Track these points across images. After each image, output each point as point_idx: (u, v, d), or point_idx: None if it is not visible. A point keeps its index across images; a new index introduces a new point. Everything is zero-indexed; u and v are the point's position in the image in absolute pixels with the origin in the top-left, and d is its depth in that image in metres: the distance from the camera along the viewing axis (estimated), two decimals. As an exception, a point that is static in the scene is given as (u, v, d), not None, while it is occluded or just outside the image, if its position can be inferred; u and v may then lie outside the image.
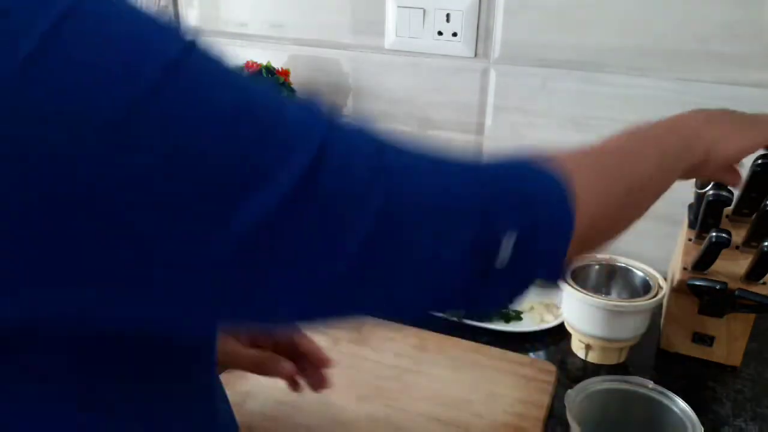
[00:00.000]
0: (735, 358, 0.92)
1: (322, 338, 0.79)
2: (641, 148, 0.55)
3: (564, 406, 0.70)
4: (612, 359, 0.93)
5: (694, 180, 0.92)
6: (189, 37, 0.32)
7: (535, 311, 1.05)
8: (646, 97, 1.10)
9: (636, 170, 0.54)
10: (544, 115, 1.19)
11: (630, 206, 0.54)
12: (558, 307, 1.05)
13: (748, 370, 0.92)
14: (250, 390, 0.84)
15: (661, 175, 0.58)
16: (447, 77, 1.25)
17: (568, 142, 1.17)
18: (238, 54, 1.40)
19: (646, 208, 0.56)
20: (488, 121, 1.24)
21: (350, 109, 1.36)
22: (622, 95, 1.12)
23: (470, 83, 1.23)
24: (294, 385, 0.72)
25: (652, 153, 0.55)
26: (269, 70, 1.25)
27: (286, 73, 1.28)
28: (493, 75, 1.21)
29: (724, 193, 0.83)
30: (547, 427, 0.80)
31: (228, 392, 0.83)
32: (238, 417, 0.80)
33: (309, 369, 0.70)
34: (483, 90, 1.23)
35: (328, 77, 1.36)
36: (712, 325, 0.91)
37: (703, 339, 0.92)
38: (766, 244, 0.79)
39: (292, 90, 1.28)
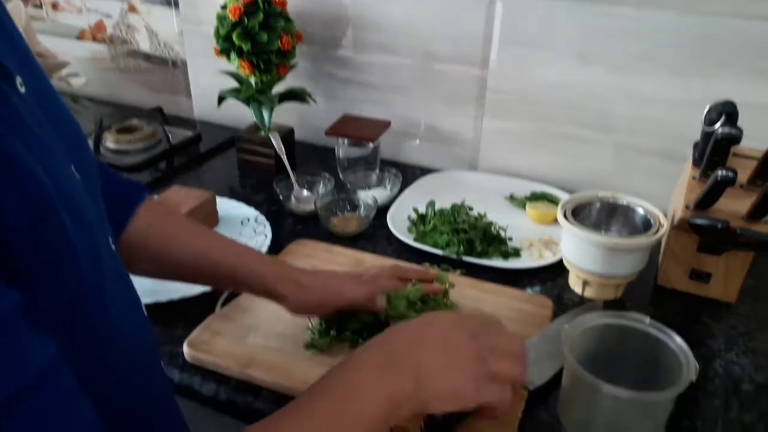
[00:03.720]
0: (731, 295, 0.93)
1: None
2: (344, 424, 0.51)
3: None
4: (609, 295, 0.94)
5: (703, 117, 0.91)
6: None
7: (534, 248, 1.05)
8: (656, 31, 1.07)
9: None
10: (551, 48, 1.16)
11: None
12: (557, 244, 1.05)
13: (743, 306, 0.93)
14: (253, 323, 0.85)
15: None
16: (451, 7, 1.20)
17: (574, 78, 1.14)
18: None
19: None
20: (493, 54, 1.21)
21: (350, 42, 1.32)
22: (632, 29, 1.08)
23: (476, 14, 1.19)
24: None
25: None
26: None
27: (283, 2, 1.23)
28: (499, 5, 1.17)
29: (734, 131, 0.82)
30: (543, 360, 0.82)
31: (231, 326, 0.85)
32: (241, 350, 0.81)
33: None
34: (489, 21, 1.19)
35: (326, 7, 1.31)
36: (710, 263, 0.91)
37: (701, 276, 0.93)
38: (770, 182, 0.78)
39: (288, 20, 1.24)
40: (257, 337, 0.83)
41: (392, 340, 0.59)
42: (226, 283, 0.79)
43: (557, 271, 1.00)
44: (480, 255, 1.02)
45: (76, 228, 0.42)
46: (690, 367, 0.67)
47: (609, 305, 0.94)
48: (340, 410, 0.51)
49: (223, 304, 0.90)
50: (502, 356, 0.60)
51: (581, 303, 0.94)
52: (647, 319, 0.73)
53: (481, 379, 0.58)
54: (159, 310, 0.87)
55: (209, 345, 0.82)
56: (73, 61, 1.72)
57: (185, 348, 0.81)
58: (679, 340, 0.70)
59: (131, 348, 0.52)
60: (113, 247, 0.53)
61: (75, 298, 0.42)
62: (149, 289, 0.87)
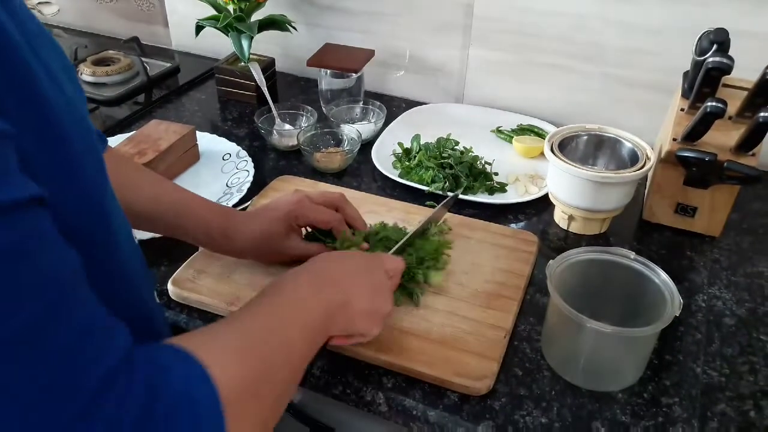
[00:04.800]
0: (715, 229, 0.93)
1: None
2: (286, 327, 0.53)
3: (545, 276, 0.71)
4: (594, 229, 0.94)
5: (694, 46, 0.88)
6: None
7: (519, 183, 1.04)
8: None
9: (284, 360, 0.51)
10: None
11: (284, 390, 0.52)
12: (543, 179, 1.04)
13: (726, 240, 0.94)
14: (237, 260, 0.84)
15: (312, 343, 0.57)
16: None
17: (562, 6, 1.08)
18: None
19: (299, 378, 0.55)
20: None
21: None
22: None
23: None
24: None
25: (298, 333, 0.55)
26: None
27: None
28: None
29: (725, 61, 0.79)
30: (527, 295, 0.83)
31: (216, 264, 0.84)
32: (226, 287, 0.81)
33: None
34: (475, -55, 1.13)
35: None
36: (696, 196, 0.91)
37: (686, 210, 0.93)
38: (761, 114, 0.76)
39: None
40: (242, 275, 0.82)
41: (316, 267, 0.63)
42: (177, 233, 0.78)
43: (543, 206, 0.99)
44: (465, 191, 1.01)
45: (78, 135, 0.43)
46: (674, 302, 0.67)
47: (593, 240, 0.94)
48: (281, 316, 0.54)
49: (206, 242, 0.89)
50: (394, 276, 0.70)
51: (566, 238, 0.94)
52: (632, 254, 0.73)
53: (390, 300, 0.68)
54: (142, 247, 0.86)
55: (194, 283, 0.81)
56: (41, -12, 1.63)
57: (170, 286, 0.81)
58: (663, 275, 0.70)
59: (128, 266, 0.53)
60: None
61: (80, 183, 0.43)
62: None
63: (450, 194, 0.96)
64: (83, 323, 0.37)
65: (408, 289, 0.79)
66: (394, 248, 0.78)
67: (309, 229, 0.83)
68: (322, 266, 0.63)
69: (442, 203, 0.89)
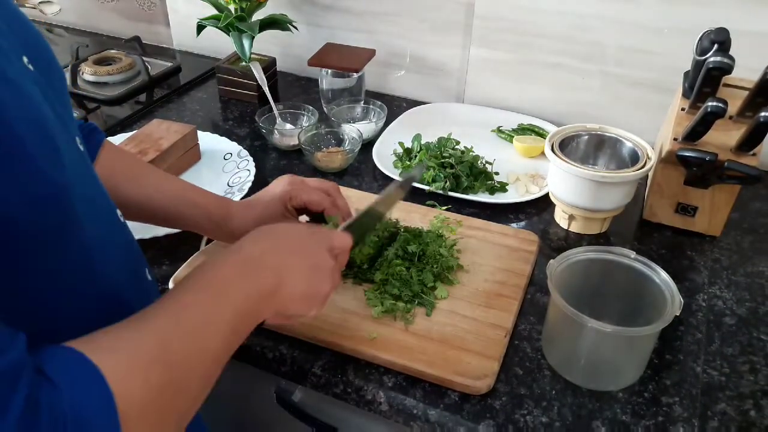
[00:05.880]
0: (716, 228, 0.93)
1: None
2: (203, 329, 0.49)
3: (545, 275, 0.71)
4: (594, 229, 0.94)
5: (694, 45, 0.88)
6: None
7: (520, 182, 1.04)
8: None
9: (197, 366, 0.48)
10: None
11: (196, 398, 0.49)
12: (543, 179, 1.04)
13: (727, 240, 0.94)
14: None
15: (235, 337, 0.53)
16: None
17: (563, 5, 1.07)
18: None
19: (214, 380, 0.51)
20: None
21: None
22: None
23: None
24: None
25: (216, 333, 0.50)
26: None
27: None
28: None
29: (726, 60, 0.79)
30: (527, 294, 0.83)
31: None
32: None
33: None
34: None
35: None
36: (697, 196, 0.91)
37: (686, 209, 0.93)
38: (762, 114, 0.76)
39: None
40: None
41: (246, 250, 0.57)
42: (179, 223, 0.79)
43: (543, 206, 0.99)
44: (466, 190, 1.01)
45: (21, 115, 0.40)
46: (675, 301, 0.67)
47: (594, 240, 0.94)
48: (199, 316, 0.49)
49: (208, 241, 0.89)
50: (341, 254, 0.64)
51: (567, 237, 0.94)
52: (632, 254, 0.73)
53: (330, 281, 0.61)
54: (144, 247, 0.86)
55: (194, 282, 0.81)
56: (43, -13, 1.63)
57: (171, 285, 0.81)
58: (664, 274, 0.71)
59: (108, 250, 0.53)
60: (81, 147, 0.51)
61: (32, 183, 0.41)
62: (132, 226, 0.85)
63: (398, 179, 0.94)
64: None
65: (424, 300, 0.79)
66: (344, 225, 0.70)
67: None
68: (253, 248, 0.58)
69: (395, 183, 0.80)
